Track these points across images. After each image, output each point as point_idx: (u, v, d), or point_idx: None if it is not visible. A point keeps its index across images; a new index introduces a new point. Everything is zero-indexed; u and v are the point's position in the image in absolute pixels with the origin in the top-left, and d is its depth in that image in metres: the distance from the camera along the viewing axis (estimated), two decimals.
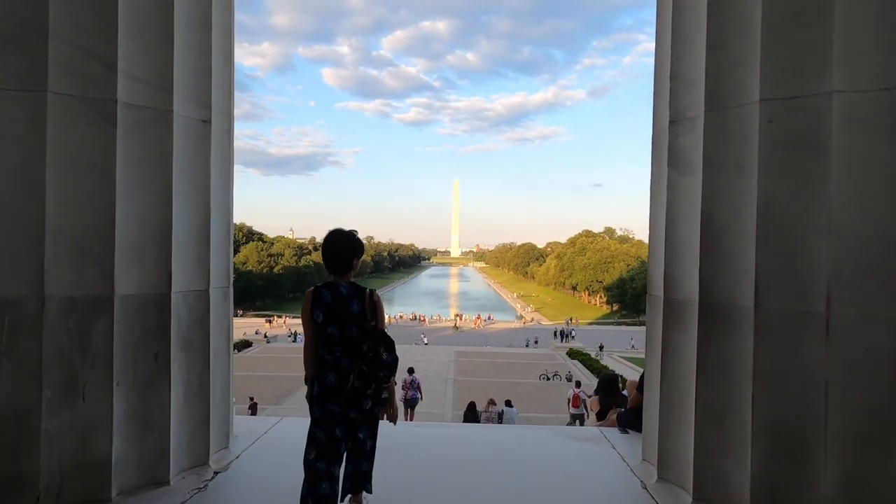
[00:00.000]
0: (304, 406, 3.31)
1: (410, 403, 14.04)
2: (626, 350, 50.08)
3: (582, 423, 15.89)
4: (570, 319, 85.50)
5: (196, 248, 3.44)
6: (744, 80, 3.03)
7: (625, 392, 6.28)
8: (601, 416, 5.16)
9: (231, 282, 3.90)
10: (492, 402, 12.46)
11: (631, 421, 4.52)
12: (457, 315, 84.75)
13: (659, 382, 3.49)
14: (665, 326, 3.45)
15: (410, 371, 14.76)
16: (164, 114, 3.20)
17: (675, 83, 3.40)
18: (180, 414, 3.34)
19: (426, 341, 56.80)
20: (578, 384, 16.92)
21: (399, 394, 14.28)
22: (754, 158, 2.97)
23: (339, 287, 3.16)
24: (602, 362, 40.75)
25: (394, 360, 3.16)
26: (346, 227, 3.33)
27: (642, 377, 4.61)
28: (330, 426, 3.13)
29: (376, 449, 3.34)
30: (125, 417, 3.10)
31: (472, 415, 12.87)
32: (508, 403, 12.87)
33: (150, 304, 3.18)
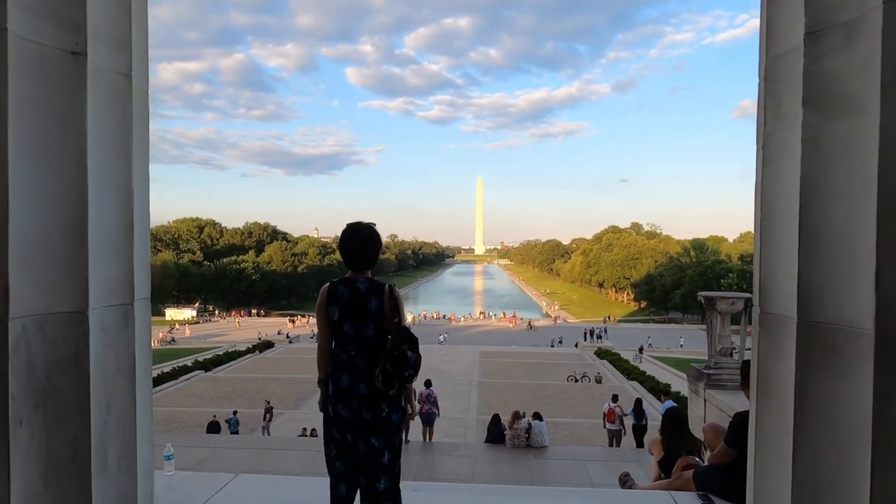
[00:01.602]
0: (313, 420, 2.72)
1: (427, 419, 12.84)
2: (643, 347, 47.73)
3: (619, 440, 14.46)
4: (608, 318, 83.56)
5: (63, 250, 2.24)
6: None
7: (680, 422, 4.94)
8: (666, 467, 3.86)
9: (141, 296, 2.71)
10: (518, 416, 11.18)
11: (716, 483, 3.23)
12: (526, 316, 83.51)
13: (790, 451, 2.18)
14: (802, 365, 2.14)
15: (427, 384, 13.56)
16: None
17: None
18: None
19: (441, 339, 55.78)
20: (615, 398, 15.47)
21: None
22: None
23: (357, 283, 3.03)
24: (633, 363, 38.86)
25: (418, 359, 2.99)
26: (366, 221, 3.17)
27: (733, 424, 3.30)
28: (341, 430, 3.00)
29: None
30: None
31: (496, 429, 11.61)
32: (537, 416, 11.59)
33: None
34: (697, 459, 3.80)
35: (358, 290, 3.00)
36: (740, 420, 3.14)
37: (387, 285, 3.07)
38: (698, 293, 15.98)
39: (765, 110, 2.43)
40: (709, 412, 14.31)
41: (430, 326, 69.32)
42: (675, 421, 4.28)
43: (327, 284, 3.11)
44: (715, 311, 14.96)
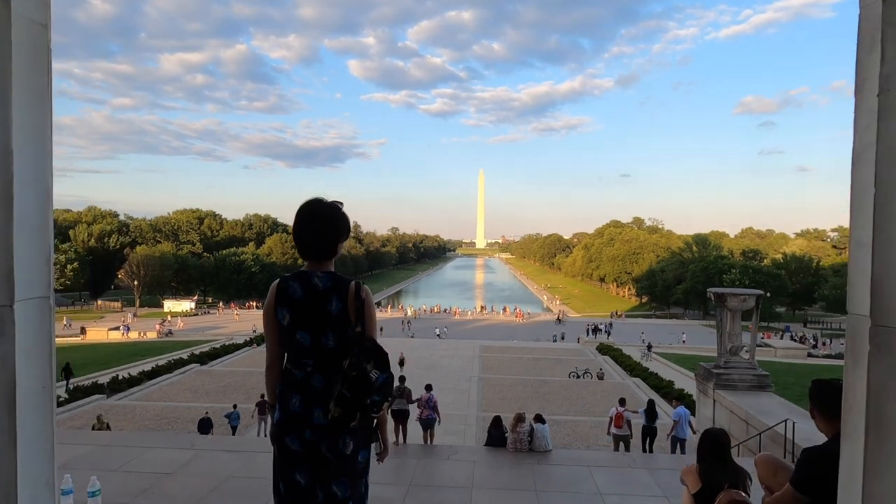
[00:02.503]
0: None
1: (427, 424, 12.17)
2: (651, 345, 46.67)
3: (627, 446, 13.83)
4: (615, 313, 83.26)
5: None
6: None
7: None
8: (703, 502, 3.17)
9: (31, 294, 2.03)
10: (520, 419, 10.54)
11: None
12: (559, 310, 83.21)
13: None
14: None
15: (428, 388, 12.89)
16: None
17: None
18: None
19: (437, 332, 55.67)
20: (623, 402, 14.82)
21: (414, 413, 12.37)
22: None
23: (314, 278, 2.42)
24: (640, 360, 38.16)
25: (387, 382, 2.30)
26: (331, 199, 2.52)
27: (804, 462, 2.63)
28: (289, 470, 2.31)
29: None
30: None
31: (498, 431, 10.96)
32: (539, 419, 10.94)
33: None
34: (745, 496, 3.14)
35: (314, 288, 2.39)
36: (814, 458, 2.49)
37: (353, 282, 2.43)
38: (708, 289, 15.37)
39: (881, 44, 1.75)
40: (718, 414, 13.69)
41: (432, 320, 68.71)
42: (717, 445, 3.53)
43: (276, 281, 2.49)
44: (725, 307, 14.32)
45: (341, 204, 2.52)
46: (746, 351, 14.44)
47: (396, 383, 13.25)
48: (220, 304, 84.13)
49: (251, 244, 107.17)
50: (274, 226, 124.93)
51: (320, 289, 2.39)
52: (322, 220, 2.46)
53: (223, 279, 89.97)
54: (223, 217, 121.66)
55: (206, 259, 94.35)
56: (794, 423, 9.91)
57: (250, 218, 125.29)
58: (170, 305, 76.19)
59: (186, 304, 76.88)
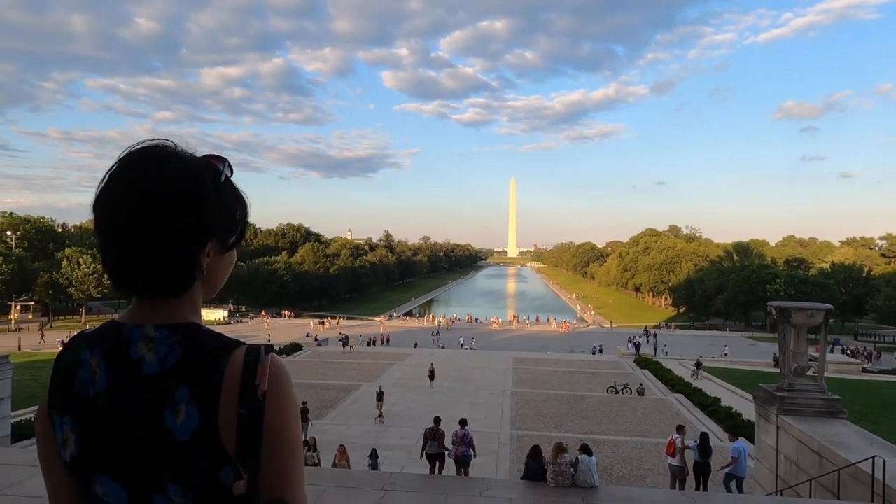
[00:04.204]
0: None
1: (462, 461, 11.15)
2: (700, 362, 44.18)
3: (683, 481, 12.46)
4: (665, 324, 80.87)
5: None
6: None
7: None
8: None
9: None
10: (561, 449, 9.39)
11: None
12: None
13: None
14: None
15: (462, 423, 11.88)
16: None
17: None
18: None
19: (462, 341, 54.64)
20: (681, 429, 13.42)
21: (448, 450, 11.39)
22: None
23: (137, 342, 0.93)
24: (674, 372, 36.14)
25: None
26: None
27: None
28: None
29: None
30: None
31: (536, 464, 9.81)
32: (585, 450, 9.77)
33: None
34: None
35: (134, 369, 0.94)
36: None
37: (237, 351, 0.98)
38: (768, 303, 13.91)
39: None
40: (783, 443, 12.19)
41: (466, 331, 67.47)
42: None
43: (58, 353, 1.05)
44: (789, 323, 12.86)
45: (223, 162, 1.10)
46: (814, 372, 12.93)
47: (430, 424, 12.13)
48: (250, 313, 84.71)
49: (284, 253, 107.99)
50: (307, 235, 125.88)
51: (150, 369, 0.94)
52: (158, 191, 0.97)
53: (256, 288, 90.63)
54: (257, 227, 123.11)
55: (239, 267, 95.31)
56: (884, 460, 8.51)
57: (284, 227, 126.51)
58: (204, 313, 76.54)
59: (220, 313, 77.40)
